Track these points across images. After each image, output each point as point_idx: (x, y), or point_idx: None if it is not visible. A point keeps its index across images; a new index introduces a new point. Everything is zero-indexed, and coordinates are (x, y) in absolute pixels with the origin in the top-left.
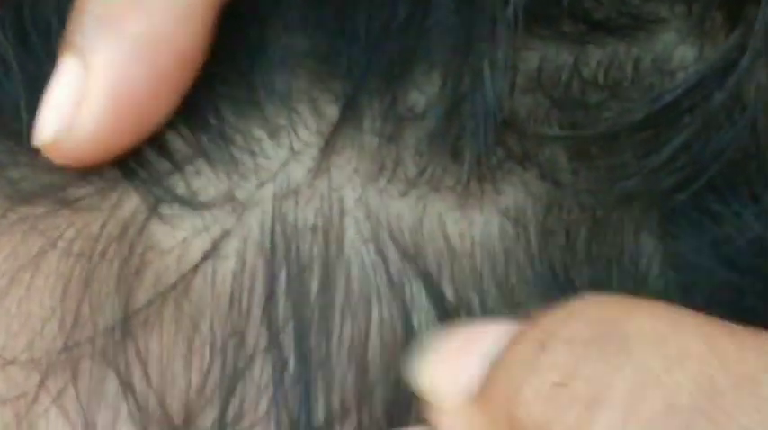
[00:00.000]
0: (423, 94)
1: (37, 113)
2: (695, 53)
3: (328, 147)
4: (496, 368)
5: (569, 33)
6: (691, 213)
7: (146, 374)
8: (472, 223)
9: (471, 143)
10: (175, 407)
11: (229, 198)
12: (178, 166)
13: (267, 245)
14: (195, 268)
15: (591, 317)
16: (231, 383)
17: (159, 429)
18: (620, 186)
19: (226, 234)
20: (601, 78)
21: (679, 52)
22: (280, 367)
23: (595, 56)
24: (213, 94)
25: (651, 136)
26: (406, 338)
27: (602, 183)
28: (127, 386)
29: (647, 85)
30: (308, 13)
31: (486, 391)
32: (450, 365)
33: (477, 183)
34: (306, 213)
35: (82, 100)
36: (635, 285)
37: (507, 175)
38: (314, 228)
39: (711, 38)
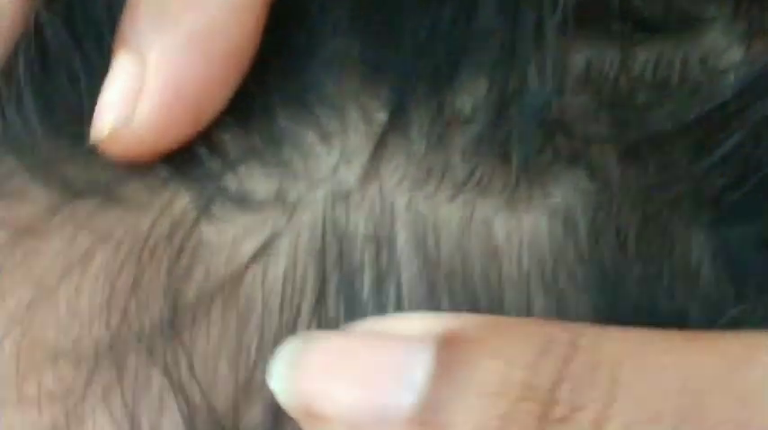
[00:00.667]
0: (470, 97)
1: (94, 110)
2: (742, 52)
3: (377, 154)
4: None
5: (616, 33)
6: (741, 208)
7: (192, 371)
8: (520, 224)
9: (519, 145)
10: (222, 403)
11: (281, 199)
12: (230, 166)
13: (318, 247)
14: (245, 267)
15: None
16: None
17: (206, 426)
18: (670, 188)
19: (276, 234)
20: (648, 77)
21: (726, 51)
22: None
23: (642, 55)
24: (265, 96)
25: (702, 136)
26: None
27: (653, 182)
28: (173, 383)
29: (695, 85)
30: (354, 16)
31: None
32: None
33: (526, 184)
34: (356, 218)
35: (139, 95)
36: (686, 282)
37: (556, 176)
38: (366, 233)
39: (759, 37)
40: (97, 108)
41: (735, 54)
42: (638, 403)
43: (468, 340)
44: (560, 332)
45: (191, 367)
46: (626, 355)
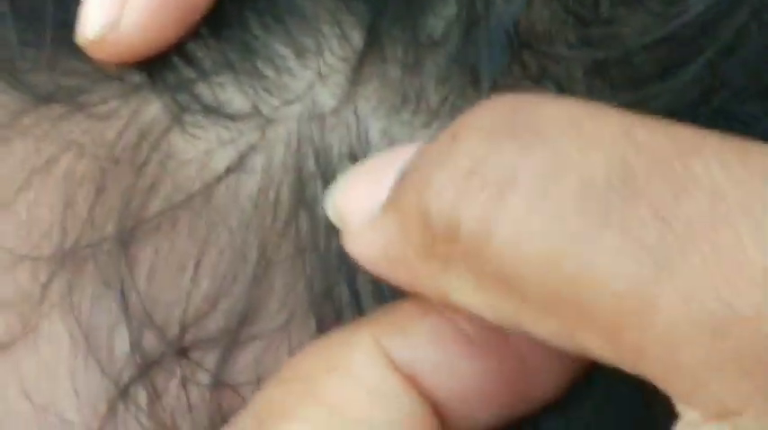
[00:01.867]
0: (440, 18)
1: (79, 11)
2: None
3: (354, 77)
4: (407, 170)
5: None
6: (714, 119)
7: (151, 279)
8: None
9: (488, 65)
10: (179, 314)
11: (255, 112)
12: (204, 76)
13: (292, 163)
14: (218, 179)
15: (505, 107)
16: (248, 292)
17: (156, 336)
18: (642, 106)
19: (251, 148)
20: None
21: None
22: (303, 280)
23: None
24: (239, 8)
25: (672, 52)
26: None
27: (623, 101)
28: (124, 296)
29: None
30: None
31: (394, 196)
32: (360, 186)
33: None
34: (331, 139)
35: None
36: None
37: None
38: (340, 155)
39: None
40: (81, 12)
41: None
42: (569, 164)
43: None
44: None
45: (149, 279)
46: (570, 125)
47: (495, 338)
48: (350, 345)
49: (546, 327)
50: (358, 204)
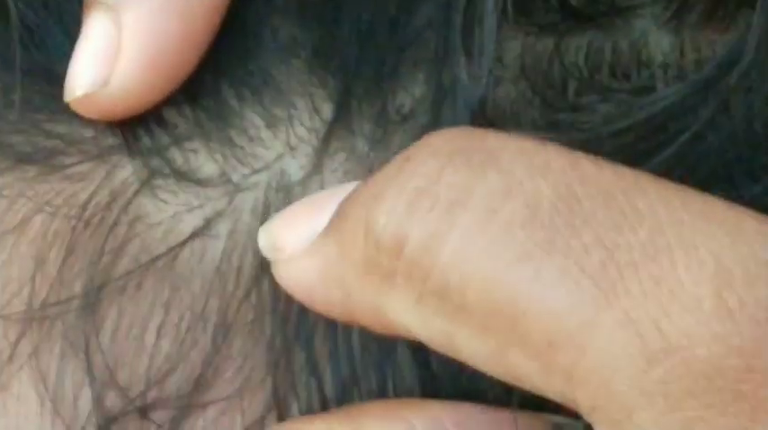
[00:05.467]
0: (409, 94)
1: (68, 69)
2: (671, 39)
3: (322, 148)
4: (353, 193)
5: (547, 23)
6: None
7: (114, 340)
8: None
9: None
10: (139, 374)
11: (224, 179)
12: (176, 141)
13: (256, 230)
14: (183, 243)
15: (457, 134)
16: (207, 356)
17: (117, 395)
18: None
19: (218, 214)
20: (581, 63)
21: (655, 38)
22: (261, 346)
23: (574, 43)
24: (215, 76)
25: (639, 139)
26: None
27: None
28: (89, 357)
29: (626, 74)
30: (302, 4)
31: (336, 218)
32: (298, 217)
33: None
34: None
35: (115, 55)
36: None
37: None
38: None
39: (688, 24)
40: (71, 68)
41: (664, 41)
42: (518, 188)
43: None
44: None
45: (112, 339)
46: (520, 154)
47: None
48: None
49: (479, 347)
50: (294, 233)
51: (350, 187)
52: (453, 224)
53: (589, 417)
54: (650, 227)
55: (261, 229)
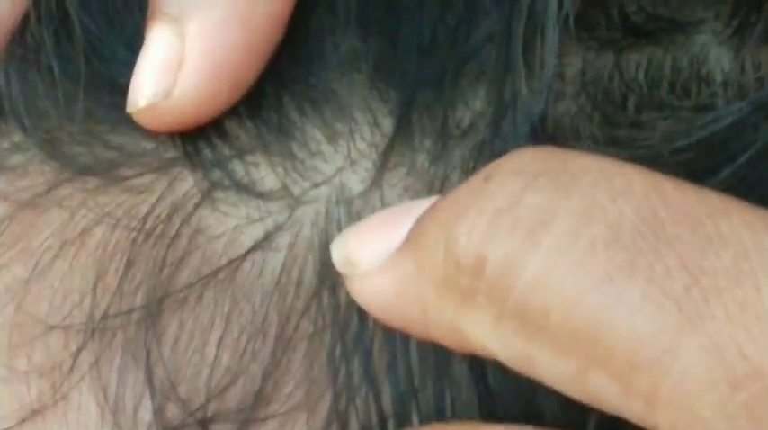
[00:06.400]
0: (469, 108)
1: (131, 80)
2: (732, 56)
3: (383, 162)
4: (431, 210)
5: (608, 39)
6: None
7: (175, 352)
8: None
9: None
10: (200, 387)
11: (285, 192)
12: (238, 154)
13: (317, 244)
14: (244, 256)
15: (537, 154)
16: (267, 370)
17: (178, 408)
18: None
19: (278, 227)
20: (641, 79)
21: (715, 55)
22: (320, 359)
23: (634, 58)
24: (277, 90)
25: (699, 157)
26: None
27: None
28: (149, 368)
29: (686, 90)
30: (363, 16)
31: (413, 235)
32: (373, 232)
33: None
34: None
35: (178, 66)
36: None
37: None
38: None
39: (749, 42)
40: (134, 79)
41: (723, 57)
42: (600, 211)
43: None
44: None
45: (173, 351)
46: (602, 175)
47: None
48: None
49: (559, 368)
50: (370, 248)
51: (425, 203)
52: (535, 246)
53: None
54: (735, 251)
55: (334, 243)
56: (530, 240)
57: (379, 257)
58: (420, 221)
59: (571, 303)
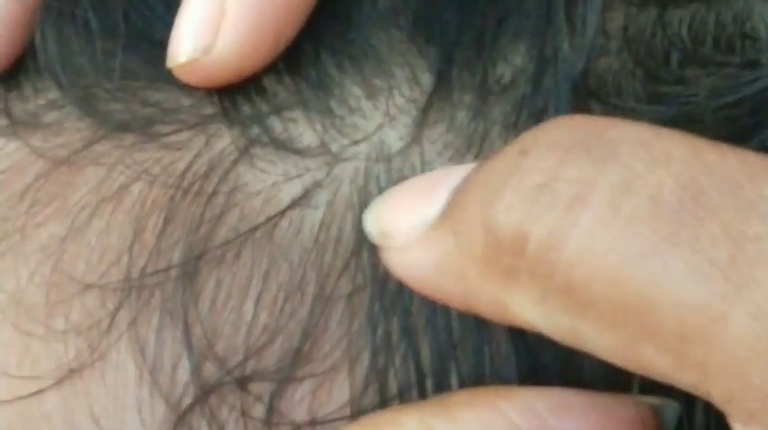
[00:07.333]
0: (509, 64)
1: (171, 35)
2: None
3: (422, 119)
4: (465, 185)
5: None
6: None
7: (212, 310)
8: None
9: (553, 113)
10: (237, 346)
11: (323, 149)
12: (276, 110)
13: (356, 201)
14: (282, 213)
15: (573, 124)
16: (305, 328)
17: (215, 366)
18: None
19: (317, 184)
20: (684, 34)
21: (760, 10)
22: (359, 318)
23: (677, 14)
24: (315, 46)
25: (743, 115)
26: None
27: None
28: (187, 326)
29: (730, 46)
30: None
31: (451, 210)
32: (407, 202)
33: None
34: (396, 180)
35: (219, 22)
36: None
37: None
38: None
39: None
40: (174, 35)
41: (767, 13)
42: (640, 181)
43: None
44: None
45: (211, 310)
46: (640, 144)
47: None
48: (397, 425)
49: (608, 341)
50: (405, 219)
51: (459, 171)
52: (576, 221)
53: (724, 408)
54: None
55: (366, 213)
56: (570, 216)
57: (414, 230)
58: (457, 195)
59: (615, 278)
